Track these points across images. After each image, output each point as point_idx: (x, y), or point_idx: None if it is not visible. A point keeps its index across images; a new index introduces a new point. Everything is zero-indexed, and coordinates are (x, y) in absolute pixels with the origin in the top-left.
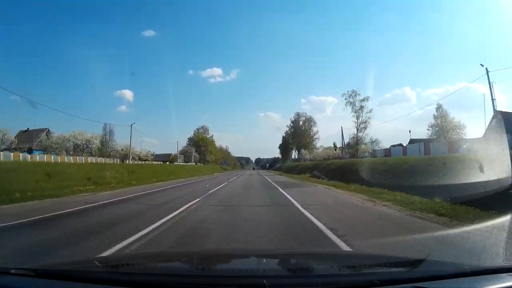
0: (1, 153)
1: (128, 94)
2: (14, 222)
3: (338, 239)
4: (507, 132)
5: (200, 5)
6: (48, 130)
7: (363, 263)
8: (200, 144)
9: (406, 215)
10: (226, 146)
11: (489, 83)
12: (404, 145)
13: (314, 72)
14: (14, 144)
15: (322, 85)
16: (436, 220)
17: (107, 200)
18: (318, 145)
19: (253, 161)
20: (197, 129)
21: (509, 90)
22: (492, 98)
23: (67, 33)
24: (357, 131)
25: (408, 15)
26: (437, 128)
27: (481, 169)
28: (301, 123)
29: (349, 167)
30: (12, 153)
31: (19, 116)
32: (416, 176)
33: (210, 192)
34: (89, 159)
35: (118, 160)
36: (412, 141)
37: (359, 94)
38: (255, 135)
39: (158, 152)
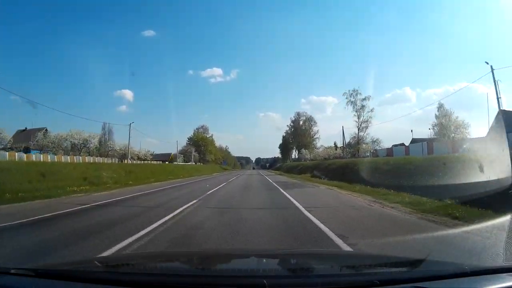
0: None
1: (128, 94)
2: None
3: (349, 248)
4: (509, 132)
5: (200, 5)
6: (46, 130)
7: (363, 263)
8: (199, 144)
9: (417, 219)
10: (226, 146)
11: (494, 81)
12: (406, 144)
13: (314, 72)
14: (10, 143)
15: (322, 85)
16: (452, 224)
17: (99, 202)
18: (318, 144)
19: (253, 161)
20: (196, 128)
21: (510, 90)
22: (497, 96)
23: (67, 33)
24: (358, 130)
25: (408, 15)
26: (438, 128)
27: (491, 169)
28: (301, 122)
29: (351, 167)
30: (7, 153)
31: (19, 116)
32: (421, 176)
33: (208, 193)
34: (87, 159)
35: (117, 159)
36: (414, 141)
37: (360, 93)
38: (255, 135)
39: (158, 152)
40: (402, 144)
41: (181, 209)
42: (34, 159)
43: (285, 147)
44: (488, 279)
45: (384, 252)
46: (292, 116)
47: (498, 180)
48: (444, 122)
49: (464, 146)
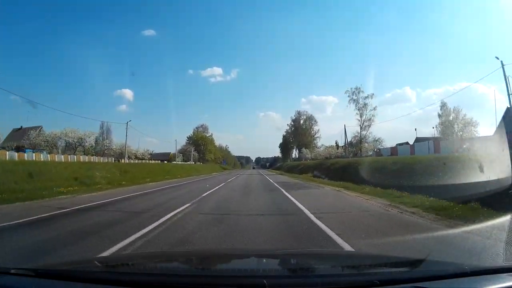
0: None
1: (128, 93)
2: None
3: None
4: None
5: (200, 5)
6: (41, 128)
7: (363, 263)
8: (199, 143)
9: (445, 226)
10: (226, 145)
11: (505, 77)
12: (410, 143)
13: (314, 72)
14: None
15: (322, 85)
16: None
17: (83, 205)
18: (319, 144)
19: (253, 161)
20: (196, 128)
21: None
22: (508, 92)
23: (67, 33)
24: (360, 129)
25: (408, 15)
26: (442, 126)
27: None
28: (302, 121)
29: (354, 166)
30: None
31: (18, 116)
32: (432, 176)
33: (204, 195)
34: (81, 158)
35: (113, 159)
36: (418, 140)
37: (362, 91)
38: (255, 135)
39: (157, 151)
40: (407, 143)
41: (169, 215)
42: (26, 158)
43: (285, 147)
44: (488, 279)
45: (384, 252)
46: (292, 115)
47: None
48: (452, 120)
49: (464, 146)
